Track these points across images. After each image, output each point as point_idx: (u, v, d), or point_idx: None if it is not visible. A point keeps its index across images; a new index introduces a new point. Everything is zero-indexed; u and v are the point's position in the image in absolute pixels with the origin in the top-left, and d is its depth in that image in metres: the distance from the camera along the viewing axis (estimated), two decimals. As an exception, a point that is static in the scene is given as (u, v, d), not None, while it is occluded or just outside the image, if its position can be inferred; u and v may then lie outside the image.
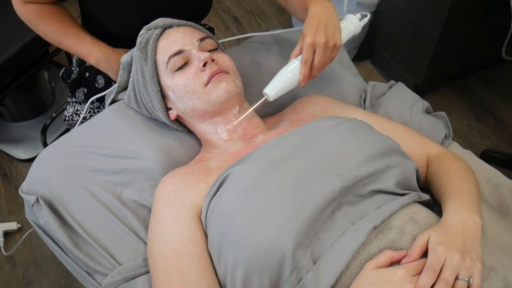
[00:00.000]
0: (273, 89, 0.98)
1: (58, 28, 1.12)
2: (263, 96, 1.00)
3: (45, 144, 1.74)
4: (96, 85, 1.27)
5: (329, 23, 0.95)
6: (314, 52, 0.95)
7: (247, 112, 0.99)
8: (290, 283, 0.75)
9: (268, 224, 0.76)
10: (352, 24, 1.03)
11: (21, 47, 1.64)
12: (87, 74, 1.27)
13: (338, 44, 0.96)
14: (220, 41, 1.17)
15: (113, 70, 1.15)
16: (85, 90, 1.29)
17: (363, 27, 1.08)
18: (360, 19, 1.05)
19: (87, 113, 1.28)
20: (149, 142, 1.06)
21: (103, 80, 1.26)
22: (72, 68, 1.29)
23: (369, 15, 1.07)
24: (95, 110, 1.28)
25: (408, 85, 1.33)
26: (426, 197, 0.90)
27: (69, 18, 1.15)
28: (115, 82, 1.15)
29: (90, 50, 1.13)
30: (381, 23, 2.06)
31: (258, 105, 1.00)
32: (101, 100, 1.24)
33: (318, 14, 0.96)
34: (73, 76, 1.28)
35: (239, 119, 0.99)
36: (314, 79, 1.04)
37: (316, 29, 0.94)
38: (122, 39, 1.15)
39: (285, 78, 0.98)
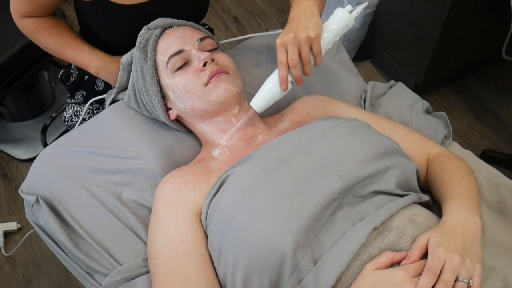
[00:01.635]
0: (258, 101, 0.97)
1: (57, 40, 1.13)
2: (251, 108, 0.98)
3: (45, 144, 1.73)
4: (95, 87, 1.27)
5: (301, 19, 0.92)
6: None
7: (234, 127, 0.98)
8: (290, 284, 0.75)
9: (268, 224, 0.76)
10: (338, 16, 0.96)
11: (21, 47, 1.64)
12: (86, 77, 1.27)
13: (311, 36, 0.90)
14: (220, 42, 1.17)
15: (113, 78, 1.15)
16: (84, 93, 1.29)
17: (363, 26, 1.05)
18: (351, 12, 0.97)
19: (86, 114, 1.27)
20: (149, 142, 1.05)
21: (102, 83, 1.26)
22: (71, 70, 1.29)
23: (366, 3, 1.01)
24: (94, 111, 1.28)
25: (408, 85, 1.33)
26: (426, 198, 0.90)
27: (68, 29, 1.16)
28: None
29: (89, 60, 1.14)
30: (381, 23, 2.06)
31: (247, 117, 0.98)
32: (101, 101, 1.24)
33: (293, 16, 0.95)
34: (72, 78, 1.28)
35: (225, 137, 0.98)
36: (314, 79, 1.03)
37: (286, 30, 0.93)
38: (119, 47, 1.15)
39: (267, 87, 0.96)
